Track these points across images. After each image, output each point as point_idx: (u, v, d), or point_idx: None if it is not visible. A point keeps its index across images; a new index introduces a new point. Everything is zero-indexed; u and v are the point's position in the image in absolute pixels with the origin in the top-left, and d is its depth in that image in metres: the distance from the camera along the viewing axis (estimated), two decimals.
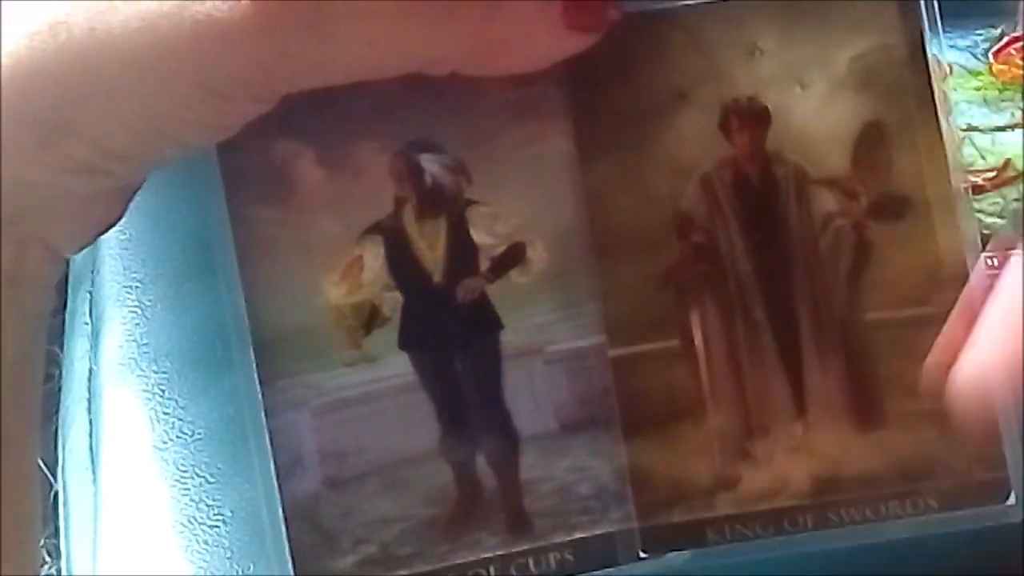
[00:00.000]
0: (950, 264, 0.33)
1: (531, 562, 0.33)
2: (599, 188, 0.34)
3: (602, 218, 0.34)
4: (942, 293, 0.33)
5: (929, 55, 0.34)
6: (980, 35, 0.43)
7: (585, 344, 0.33)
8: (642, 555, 0.33)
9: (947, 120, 0.34)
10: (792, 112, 0.34)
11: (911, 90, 0.34)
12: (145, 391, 0.46)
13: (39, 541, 0.38)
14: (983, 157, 0.41)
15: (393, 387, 0.34)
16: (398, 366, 0.34)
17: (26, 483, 0.35)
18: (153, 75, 0.30)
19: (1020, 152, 0.41)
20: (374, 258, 0.34)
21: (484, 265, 0.34)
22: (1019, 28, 0.42)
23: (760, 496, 0.33)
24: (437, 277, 0.34)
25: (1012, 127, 0.42)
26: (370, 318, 0.34)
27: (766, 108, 0.34)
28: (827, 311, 0.34)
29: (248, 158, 0.34)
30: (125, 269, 0.47)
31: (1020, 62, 0.42)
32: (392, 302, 0.34)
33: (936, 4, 0.34)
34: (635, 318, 0.34)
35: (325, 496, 0.33)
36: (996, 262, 0.35)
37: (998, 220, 0.41)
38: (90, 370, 0.48)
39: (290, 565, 0.33)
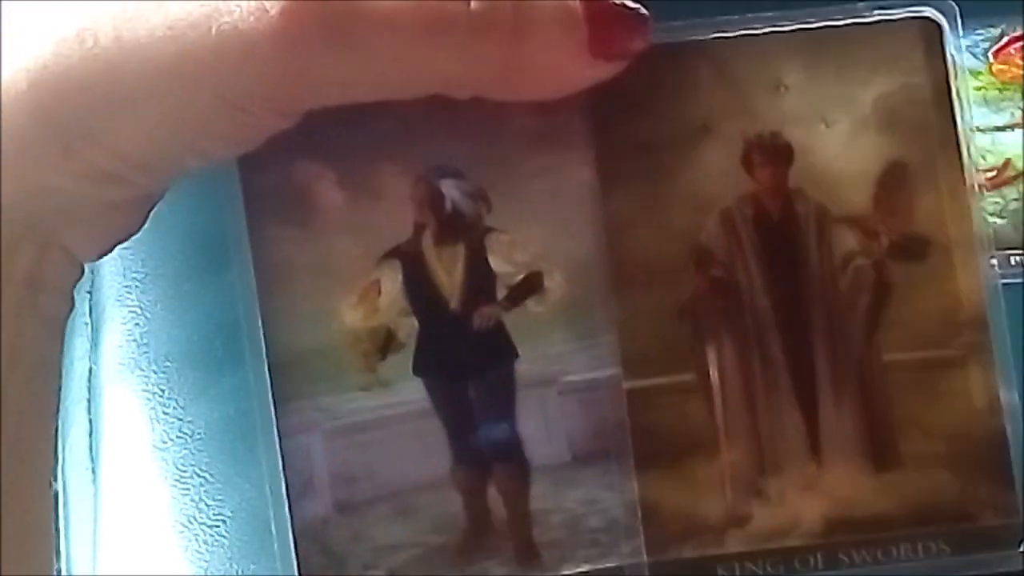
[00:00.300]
0: (969, 307, 0.33)
1: None
2: (619, 218, 0.34)
3: (621, 249, 0.34)
4: (961, 336, 0.34)
5: (954, 96, 0.34)
6: (980, 35, 0.43)
7: (600, 376, 0.33)
8: None
9: (971, 162, 0.34)
10: (815, 150, 0.34)
11: (935, 131, 0.34)
12: (145, 391, 0.47)
13: (51, 545, 0.38)
14: (983, 157, 0.41)
15: (406, 413, 0.34)
16: (412, 392, 0.34)
17: (43, 485, 0.35)
18: (177, 85, 0.30)
19: (1020, 152, 0.41)
20: (392, 283, 0.34)
21: (501, 293, 0.34)
22: (1019, 28, 0.42)
23: (771, 534, 0.33)
24: (454, 304, 0.34)
25: (1012, 127, 0.42)
26: (386, 343, 0.34)
27: (789, 145, 0.34)
28: (844, 350, 0.34)
29: (270, 178, 0.34)
30: (125, 269, 0.47)
31: (1020, 62, 0.42)
32: (408, 327, 0.34)
33: (962, 46, 0.34)
34: (651, 351, 0.34)
35: (335, 519, 0.33)
36: (997, 262, 0.35)
37: (998, 220, 0.41)
38: (90, 370, 0.48)
39: None
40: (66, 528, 0.50)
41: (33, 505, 0.34)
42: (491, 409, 0.34)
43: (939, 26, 0.34)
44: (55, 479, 0.51)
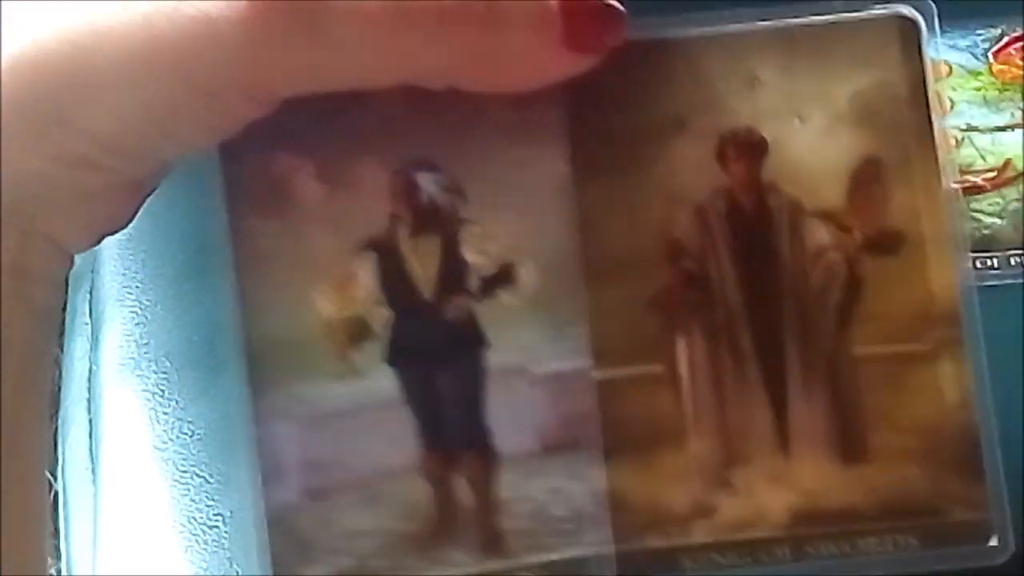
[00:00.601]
0: (942, 302, 0.34)
1: None
2: (592, 211, 0.34)
3: (594, 241, 0.34)
4: (933, 331, 0.34)
5: (930, 93, 0.34)
6: (980, 35, 0.43)
7: (569, 366, 0.34)
8: None
9: (946, 158, 0.34)
10: (789, 144, 0.34)
11: (910, 127, 0.34)
12: (145, 391, 0.47)
13: (47, 540, 0.39)
14: (983, 157, 0.41)
15: (378, 402, 0.34)
16: (384, 381, 0.35)
17: (36, 478, 0.36)
18: (148, 71, 0.31)
19: (1020, 152, 0.41)
20: (367, 274, 0.35)
21: (474, 284, 0.34)
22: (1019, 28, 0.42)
23: (737, 526, 0.33)
24: (427, 294, 0.35)
25: (1012, 127, 0.42)
26: (360, 333, 0.35)
27: (763, 139, 0.34)
28: (815, 343, 0.34)
29: (249, 170, 0.35)
30: (125, 269, 0.48)
31: (1020, 62, 0.42)
32: (382, 318, 0.35)
33: (937, 42, 0.34)
34: (621, 342, 0.34)
35: (304, 506, 0.34)
36: (997, 263, 0.35)
37: (998, 220, 0.41)
38: (90, 370, 0.49)
39: (269, 573, 0.33)
40: (66, 528, 0.52)
41: (26, 497, 0.35)
42: (460, 398, 0.34)
43: (916, 24, 0.34)
44: (55, 478, 0.52)
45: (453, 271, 0.35)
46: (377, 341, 0.35)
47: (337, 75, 0.33)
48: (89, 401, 0.49)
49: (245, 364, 0.34)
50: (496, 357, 0.35)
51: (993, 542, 0.33)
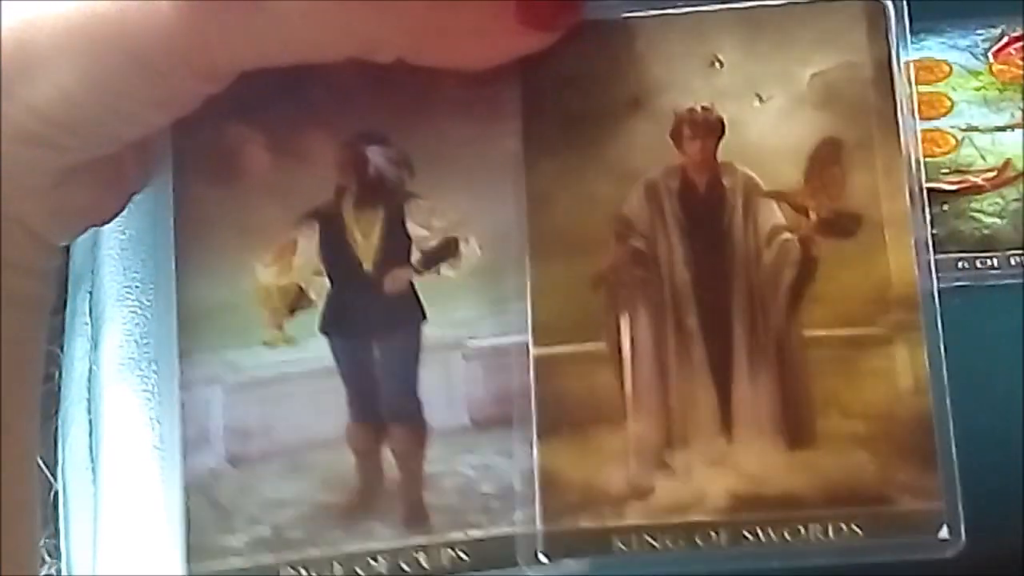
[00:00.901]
0: (899, 285, 0.47)
1: (423, 557, 0.47)
2: (541, 188, 0.49)
3: (541, 217, 0.49)
4: (888, 314, 0.47)
5: (896, 78, 0.47)
6: (980, 35, 0.57)
7: (507, 342, 0.48)
8: (542, 559, 0.45)
9: (909, 141, 0.46)
10: (747, 124, 0.49)
11: (874, 110, 0.48)
12: (145, 391, 0.64)
13: (39, 535, 0.53)
14: (983, 157, 0.56)
15: (308, 371, 0.49)
16: (316, 350, 0.49)
17: (23, 471, 0.51)
18: (88, 44, 0.47)
19: (1020, 152, 0.55)
20: (308, 242, 0.49)
21: (416, 258, 0.47)
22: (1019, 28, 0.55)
23: (673, 508, 0.46)
24: (367, 266, 0.49)
25: (1012, 127, 0.55)
26: (295, 300, 0.49)
27: (720, 119, 0.49)
28: (764, 324, 0.47)
29: (200, 140, 0.52)
30: (125, 269, 0.63)
31: (1020, 62, 0.56)
32: (320, 287, 0.49)
33: (907, 25, 0.47)
34: (563, 319, 0.48)
35: (225, 473, 0.48)
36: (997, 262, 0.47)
37: (998, 220, 0.53)
38: (90, 370, 0.64)
39: (183, 538, 0.46)
40: (66, 528, 0.66)
41: (13, 488, 0.49)
42: (394, 370, 0.49)
43: (885, 9, 0.48)
44: (55, 478, 0.65)
45: (396, 244, 0.49)
46: (313, 310, 0.49)
47: (282, 49, 0.49)
48: (89, 401, 0.64)
49: (176, 327, 0.47)
50: (433, 331, 0.50)
51: (943, 534, 0.45)
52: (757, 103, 0.50)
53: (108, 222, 0.52)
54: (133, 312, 0.65)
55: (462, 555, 0.48)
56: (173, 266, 0.51)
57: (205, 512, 0.49)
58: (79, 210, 0.51)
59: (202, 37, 0.46)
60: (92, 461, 0.65)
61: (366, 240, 0.50)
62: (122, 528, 0.59)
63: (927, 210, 0.48)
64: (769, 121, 0.50)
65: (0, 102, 0.46)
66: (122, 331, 0.65)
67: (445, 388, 0.49)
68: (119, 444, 0.62)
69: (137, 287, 0.65)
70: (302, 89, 0.51)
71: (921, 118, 0.49)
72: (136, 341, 0.61)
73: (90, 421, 0.65)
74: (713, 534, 0.47)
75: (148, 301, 0.60)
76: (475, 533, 0.48)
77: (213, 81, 0.48)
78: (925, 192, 0.48)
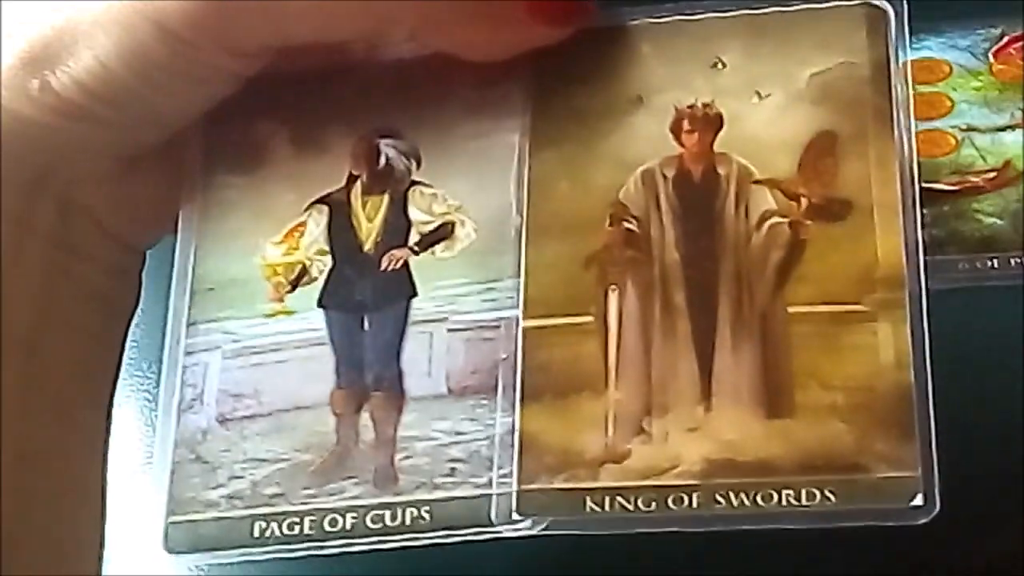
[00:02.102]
0: (886, 265, 0.48)
1: (387, 515, 0.48)
2: (542, 175, 0.51)
3: (540, 202, 0.51)
4: (874, 293, 0.47)
5: (893, 76, 0.48)
6: (980, 35, 0.58)
7: (492, 317, 0.50)
8: (516, 518, 0.45)
9: (903, 134, 0.47)
10: (745, 119, 0.51)
11: (870, 105, 0.50)
12: (145, 391, 0.66)
13: (102, 510, 0.55)
14: (983, 157, 0.55)
15: (302, 340, 0.51)
16: (312, 322, 0.51)
17: (87, 452, 0.54)
18: (122, 17, 0.51)
19: (1020, 152, 0.54)
20: (316, 225, 0.51)
21: (414, 239, 0.49)
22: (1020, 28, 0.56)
23: (647, 472, 0.46)
24: (368, 246, 0.52)
25: (1012, 127, 0.55)
26: (298, 276, 0.52)
27: (719, 114, 0.51)
28: (749, 301, 0.48)
29: (230, 134, 0.55)
30: None
31: (1020, 62, 0.56)
32: (322, 265, 0.51)
33: (906, 26, 0.48)
34: (554, 293, 0.50)
35: (213, 431, 0.50)
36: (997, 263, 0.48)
37: (998, 221, 0.53)
38: None
39: (166, 491, 0.47)
40: None
41: (77, 472, 0.53)
42: (381, 342, 0.51)
43: (885, 14, 0.49)
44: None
45: (396, 227, 0.52)
46: (314, 286, 0.51)
47: (301, 24, 0.52)
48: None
49: (187, 300, 0.49)
50: (420, 305, 0.52)
51: (918, 501, 0.44)
52: (756, 100, 0.51)
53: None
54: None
55: (425, 515, 0.48)
56: (194, 245, 0.53)
57: (191, 467, 0.50)
58: (148, 207, 0.55)
59: (225, 10, 0.49)
60: None
61: (370, 223, 0.52)
62: (122, 528, 0.60)
63: (918, 195, 0.49)
64: (767, 116, 0.51)
65: (46, 72, 0.50)
66: None
67: (427, 359, 0.50)
68: (119, 444, 0.63)
69: None
70: (327, 88, 0.54)
71: (921, 118, 0.50)
72: (136, 342, 0.62)
73: None
74: (686, 497, 0.47)
75: (148, 301, 0.61)
76: (439, 494, 0.48)
77: (238, 57, 0.51)
78: (918, 178, 0.49)
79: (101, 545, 0.54)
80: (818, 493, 0.46)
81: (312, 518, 0.48)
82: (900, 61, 0.50)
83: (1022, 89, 0.58)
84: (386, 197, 0.52)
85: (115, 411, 0.56)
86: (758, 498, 0.46)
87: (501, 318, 0.50)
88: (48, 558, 0.52)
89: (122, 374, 0.57)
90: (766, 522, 0.46)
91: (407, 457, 0.49)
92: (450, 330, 0.50)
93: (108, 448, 0.55)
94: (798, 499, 0.46)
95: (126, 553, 0.55)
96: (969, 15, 0.58)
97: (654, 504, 0.47)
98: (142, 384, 0.66)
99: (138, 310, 0.57)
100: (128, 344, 0.57)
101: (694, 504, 0.46)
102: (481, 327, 0.50)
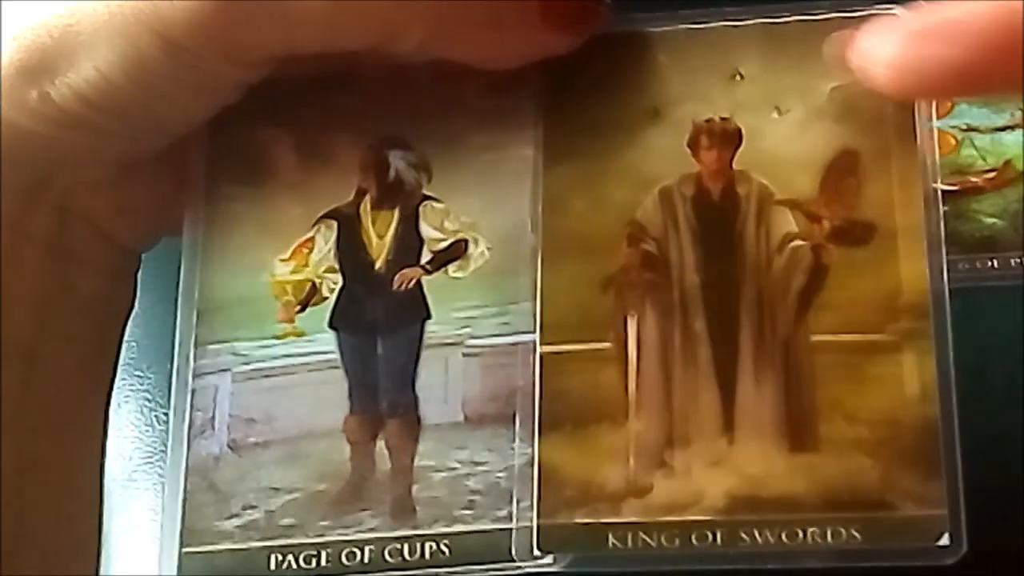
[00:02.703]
0: (910, 293, 0.47)
1: (406, 549, 0.48)
2: (557, 192, 0.50)
3: (555, 220, 0.50)
4: (898, 322, 0.47)
5: None
6: None
7: (508, 341, 0.49)
8: (536, 553, 0.44)
9: (929, 156, 0.46)
10: (765, 135, 0.49)
11: (892, 123, 0.49)
12: (145, 391, 0.65)
13: (101, 534, 0.55)
14: (983, 158, 0.55)
15: (314, 363, 0.50)
16: (324, 344, 0.51)
17: (86, 458, 0.54)
18: (121, 23, 0.49)
19: (1020, 152, 0.54)
20: (325, 241, 0.50)
21: (426, 258, 0.48)
22: None
23: (670, 507, 0.46)
24: (379, 264, 0.50)
25: (1012, 127, 0.55)
26: (308, 295, 0.50)
27: (738, 129, 0.49)
28: (771, 328, 0.47)
29: (233, 142, 0.54)
30: None
31: None
32: (332, 283, 0.50)
33: None
34: (571, 318, 0.49)
35: (226, 458, 0.49)
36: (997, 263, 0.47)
37: (998, 221, 0.53)
38: None
39: (179, 519, 0.46)
40: None
41: (75, 477, 0.53)
42: (394, 366, 0.50)
43: None
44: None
45: (408, 244, 0.51)
46: (325, 305, 0.49)
47: (307, 32, 0.50)
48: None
49: (195, 319, 0.48)
50: (434, 328, 0.51)
51: (944, 541, 0.44)
52: (776, 115, 0.50)
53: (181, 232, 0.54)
54: (135, 314, 0.66)
55: (444, 549, 0.47)
56: (200, 260, 0.52)
57: (204, 496, 0.49)
58: (146, 211, 0.54)
59: (230, 19, 0.48)
60: None
61: (380, 240, 0.51)
62: (122, 528, 0.60)
63: (942, 218, 0.48)
64: (786, 132, 0.50)
65: (44, 83, 0.49)
66: None
67: (442, 385, 0.49)
68: (119, 444, 0.62)
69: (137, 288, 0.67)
70: (332, 95, 0.53)
71: None
72: (136, 342, 0.62)
73: None
74: (709, 534, 0.46)
75: (148, 302, 0.60)
76: (458, 528, 0.48)
77: (242, 66, 0.50)
78: (941, 200, 0.48)
79: (98, 549, 0.54)
80: (844, 531, 0.46)
81: (329, 551, 0.48)
82: None
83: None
84: (397, 213, 0.51)
85: (115, 411, 0.55)
86: (783, 535, 0.46)
87: (518, 343, 0.49)
88: (46, 562, 0.52)
89: (122, 374, 0.57)
90: (791, 560, 0.45)
91: (424, 488, 0.48)
92: (465, 355, 0.50)
93: (105, 451, 0.55)
94: (823, 537, 0.46)
95: None
96: None
97: (677, 541, 0.46)
98: (142, 384, 0.65)
99: (138, 311, 0.56)
100: (128, 344, 0.56)
101: (718, 541, 0.46)
102: (497, 352, 0.49)
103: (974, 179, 0.55)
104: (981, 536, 0.44)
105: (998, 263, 0.53)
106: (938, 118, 0.56)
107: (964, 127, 0.56)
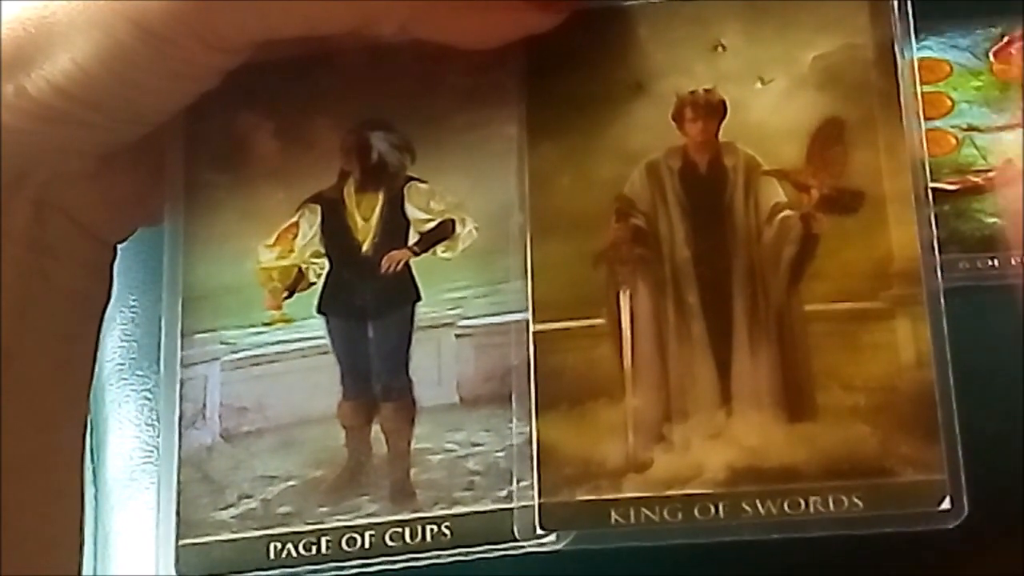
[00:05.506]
0: (901, 260, 0.47)
1: (407, 533, 0.48)
2: (543, 169, 0.50)
3: (542, 198, 0.50)
4: (890, 289, 0.47)
5: (898, 56, 0.48)
6: (980, 35, 0.58)
7: (500, 321, 0.49)
8: (540, 532, 0.45)
9: (912, 120, 0.47)
10: (750, 106, 0.50)
11: (876, 90, 0.49)
12: (145, 391, 0.65)
13: (83, 528, 0.55)
14: (983, 157, 0.55)
15: (304, 349, 0.50)
16: (313, 329, 0.50)
17: (66, 457, 0.53)
18: (98, 14, 0.49)
19: (1020, 152, 0.54)
20: (309, 225, 0.50)
21: (413, 239, 0.48)
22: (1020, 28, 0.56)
23: (671, 481, 0.46)
24: (366, 247, 0.50)
25: (1012, 127, 0.55)
26: (295, 281, 0.50)
27: (722, 100, 0.50)
28: (764, 299, 0.47)
29: (211, 128, 0.54)
30: (125, 270, 0.63)
31: (1020, 62, 0.56)
32: (319, 268, 0.50)
33: (910, 7, 0.48)
34: (563, 295, 0.49)
35: (219, 448, 0.48)
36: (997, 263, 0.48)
37: (998, 220, 0.53)
38: None
39: (175, 511, 0.46)
40: None
41: (55, 475, 0.53)
42: (387, 349, 0.50)
43: None
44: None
45: (394, 226, 0.51)
46: (312, 291, 0.49)
47: (286, 18, 0.50)
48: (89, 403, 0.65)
49: (180, 309, 0.49)
50: (425, 310, 0.51)
51: (946, 505, 0.44)
52: (759, 85, 0.51)
53: (159, 222, 0.54)
54: (133, 313, 0.66)
55: (446, 531, 0.48)
56: (182, 250, 0.52)
57: (198, 487, 0.49)
58: (124, 202, 0.54)
59: (206, 5, 0.48)
60: (92, 461, 0.65)
61: (366, 223, 0.51)
62: (122, 528, 0.60)
63: (930, 187, 0.49)
64: (771, 102, 0.50)
65: (22, 78, 0.49)
66: (121, 332, 0.66)
67: (436, 367, 0.50)
68: (119, 444, 0.63)
69: (137, 287, 0.66)
70: (310, 77, 0.53)
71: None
72: (136, 341, 0.62)
73: (90, 421, 0.66)
74: (712, 507, 0.47)
75: (148, 302, 0.61)
76: (459, 509, 0.48)
77: (221, 52, 0.50)
78: (928, 168, 0.49)
79: (80, 546, 0.54)
80: (845, 499, 0.46)
81: (328, 537, 0.48)
82: (905, 40, 0.50)
83: (1022, 89, 0.58)
84: (381, 195, 0.51)
85: (115, 410, 0.55)
86: (785, 505, 0.46)
87: (510, 322, 0.49)
88: (27, 560, 0.51)
89: (122, 374, 0.57)
90: (794, 530, 0.46)
91: (423, 471, 0.49)
92: (458, 336, 0.50)
93: (85, 447, 0.54)
94: (825, 506, 0.46)
95: None
96: (969, 15, 0.57)
97: (680, 514, 0.47)
98: (142, 384, 0.65)
99: (138, 310, 0.56)
100: (128, 344, 0.56)
101: (720, 513, 0.47)
102: (490, 331, 0.49)
103: (974, 179, 0.56)
104: (982, 499, 0.45)
105: (998, 263, 0.54)
106: (938, 117, 0.57)
107: (965, 127, 0.57)
